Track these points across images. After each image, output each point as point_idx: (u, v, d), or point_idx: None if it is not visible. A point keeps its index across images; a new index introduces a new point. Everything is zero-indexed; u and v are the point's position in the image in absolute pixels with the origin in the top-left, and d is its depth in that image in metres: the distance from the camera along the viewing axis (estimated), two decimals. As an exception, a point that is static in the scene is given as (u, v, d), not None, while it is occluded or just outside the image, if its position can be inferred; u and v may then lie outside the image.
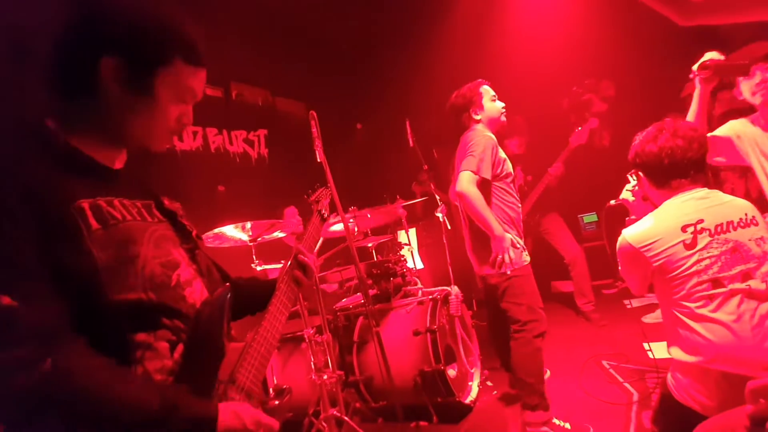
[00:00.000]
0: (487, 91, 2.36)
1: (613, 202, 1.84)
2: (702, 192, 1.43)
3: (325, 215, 1.32)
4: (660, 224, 1.40)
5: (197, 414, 0.73)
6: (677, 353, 1.37)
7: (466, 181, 2.09)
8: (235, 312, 0.97)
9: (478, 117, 2.32)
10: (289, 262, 1.08)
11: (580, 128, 3.62)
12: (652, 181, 1.51)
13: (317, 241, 1.25)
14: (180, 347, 0.81)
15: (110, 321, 0.72)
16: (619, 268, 1.54)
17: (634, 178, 1.71)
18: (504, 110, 2.35)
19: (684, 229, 1.35)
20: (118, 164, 0.88)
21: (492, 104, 2.34)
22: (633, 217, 1.71)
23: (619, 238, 1.48)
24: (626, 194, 1.75)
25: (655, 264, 1.38)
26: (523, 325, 2.16)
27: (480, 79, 2.37)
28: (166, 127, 0.84)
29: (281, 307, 1.00)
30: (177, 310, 0.82)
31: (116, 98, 0.78)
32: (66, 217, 0.71)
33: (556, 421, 2.14)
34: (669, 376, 1.42)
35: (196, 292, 0.88)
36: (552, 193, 3.71)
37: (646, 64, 4.22)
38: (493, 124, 2.34)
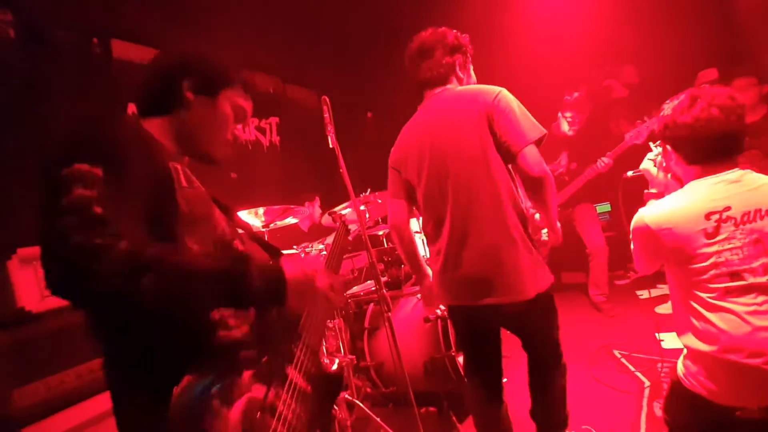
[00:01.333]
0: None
1: (630, 173, 1.69)
2: (735, 174, 1.30)
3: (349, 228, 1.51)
4: (683, 208, 1.31)
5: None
6: (689, 341, 1.35)
7: (540, 159, 1.49)
8: None
9: (462, 75, 1.69)
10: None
11: (640, 122, 3.21)
12: (681, 155, 1.38)
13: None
14: None
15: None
16: (632, 246, 1.45)
17: (657, 147, 1.55)
18: None
19: (708, 216, 1.27)
20: None
21: (473, 75, 1.76)
22: (653, 190, 1.58)
23: (636, 217, 1.39)
24: (647, 164, 1.58)
25: (671, 249, 1.32)
26: (561, 354, 1.71)
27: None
28: (224, 137, 1.02)
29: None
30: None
31: (192, 107, 0.98)
32: (166, 172, 0.86)
33: None
34: (679, 363, 1.40)
35: (257, 256, 1.02)
36: (589, 185, 3.50)
37: (669, 48, 4.10)
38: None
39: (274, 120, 4.28)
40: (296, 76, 4.64)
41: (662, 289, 3.73)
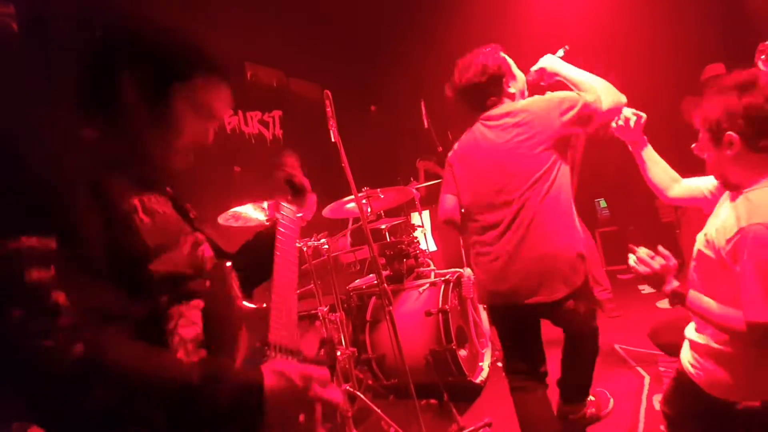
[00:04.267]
0: (507, 57, 1.90)
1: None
2: None
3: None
4: None
5: (242, 381, 0.71)
6: (689, 333, 1.36)
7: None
8: (251, 277, 1.00)
9: (512, 90, 1.85)
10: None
11: None
12: (746, 142, 1.17)
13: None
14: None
15: (152, 293, 0.76)
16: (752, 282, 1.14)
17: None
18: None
19: None
20: None
21: (520, 72, 1.92)
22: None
23: (759, 230, 1.12)
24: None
25: None
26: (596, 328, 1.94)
27: (492, 44, 1.89)
28: (183, 143, 0.85)
29: (287, 256, 0.99)
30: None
31: (135, 112, 0.81)
32: (124, 212, 0.75)
33: None
34: (682, 353, 1.41)
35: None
36: None
37: (661, 47, 4.06)
38: (522, 97, 1.89)
39: (277, 113, 4.28)
40: (300, 70, 4.63)
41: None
